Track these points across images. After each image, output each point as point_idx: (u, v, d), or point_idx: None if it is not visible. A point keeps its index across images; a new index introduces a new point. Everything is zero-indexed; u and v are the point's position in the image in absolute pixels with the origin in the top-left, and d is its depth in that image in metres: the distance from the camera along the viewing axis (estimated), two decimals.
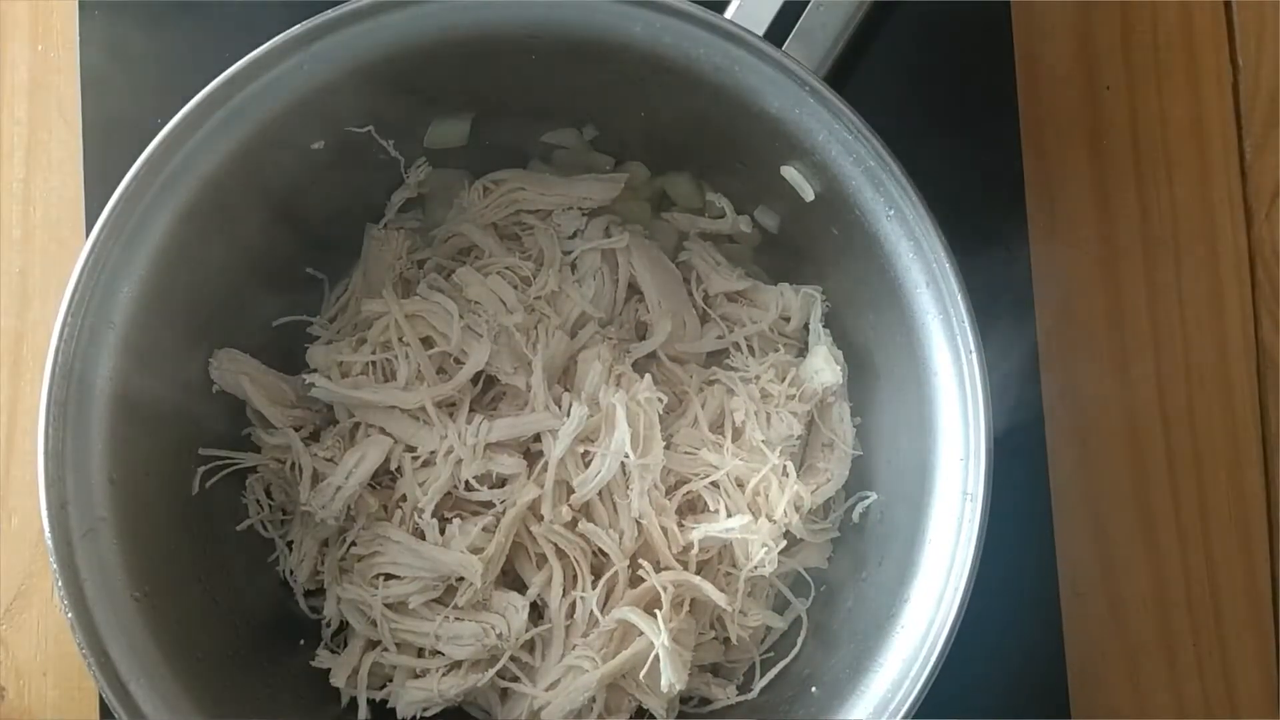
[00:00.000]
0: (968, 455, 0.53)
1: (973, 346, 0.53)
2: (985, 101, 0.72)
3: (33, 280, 0.70)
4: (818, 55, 0.59)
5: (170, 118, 0.52)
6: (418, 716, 0.61)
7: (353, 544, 0.62)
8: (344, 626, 0.63)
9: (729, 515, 0.61)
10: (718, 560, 0.63)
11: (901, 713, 0.52)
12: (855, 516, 0.64)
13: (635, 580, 0.61)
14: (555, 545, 0.60)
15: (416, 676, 0.62)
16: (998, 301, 0.69)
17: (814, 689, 0.59)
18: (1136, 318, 0.71)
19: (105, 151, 0.69)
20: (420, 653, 0.62)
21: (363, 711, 0.60)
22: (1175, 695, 0.69)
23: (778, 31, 0.58)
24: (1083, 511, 0.70)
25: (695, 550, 0.61)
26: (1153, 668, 0.69)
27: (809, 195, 0.58)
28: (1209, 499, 0.70)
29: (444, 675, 0.61)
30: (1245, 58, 0.73)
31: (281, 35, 0.53)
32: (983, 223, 0.70)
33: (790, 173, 0.58)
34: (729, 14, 0.60)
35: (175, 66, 0.70)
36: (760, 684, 0.63)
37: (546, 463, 0.60)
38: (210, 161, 0.54)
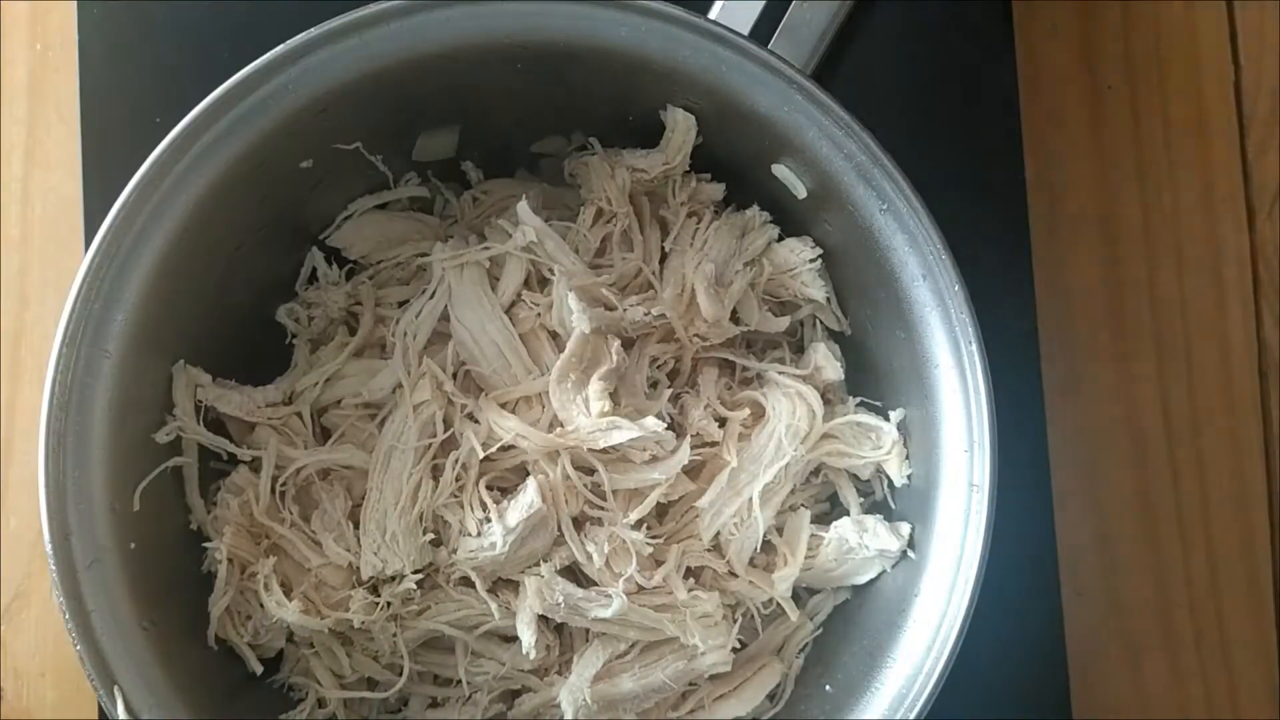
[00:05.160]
0: (972, 446, 0.53)
1: (972, 337, 0.52)
2: (987, 100, 0.72)
3: (31, 280, 0.70)
4: (804, 52, 0.59)
5: (169, 117, 0.52)
6: None
7: None
8: None
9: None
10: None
11: (917, 708, 0.52)
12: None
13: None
14: None
15: (435, 705, 0.62)
16: (998, 300, 0.69)
17: (827, 687, 0.59)
18: (1138, 316, 0.71)
19: (104, 151, 0.69)
20: (435, 679, 0.62)
21: None
22: (1177, 695, 0.69)
23: (763, 30, 0.58)
24: (1084, 511, 0.69)
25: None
26: (1154, 668, 0.69)
27: (801, 193, 0.58)
28: (1211, 499, 0.70)
29: (463, 705, 0.61)
30: (1247, 57, 0.73)
31: (265, 56, 0.52)
32: (983, 221, 0.70)
33: (781, 170, 0.58)
34: (713, 14, 0.60)
35: (174, 66, 0.70)
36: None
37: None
38: (199, 185, 0.53)
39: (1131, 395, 0.71)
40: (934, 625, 0.53)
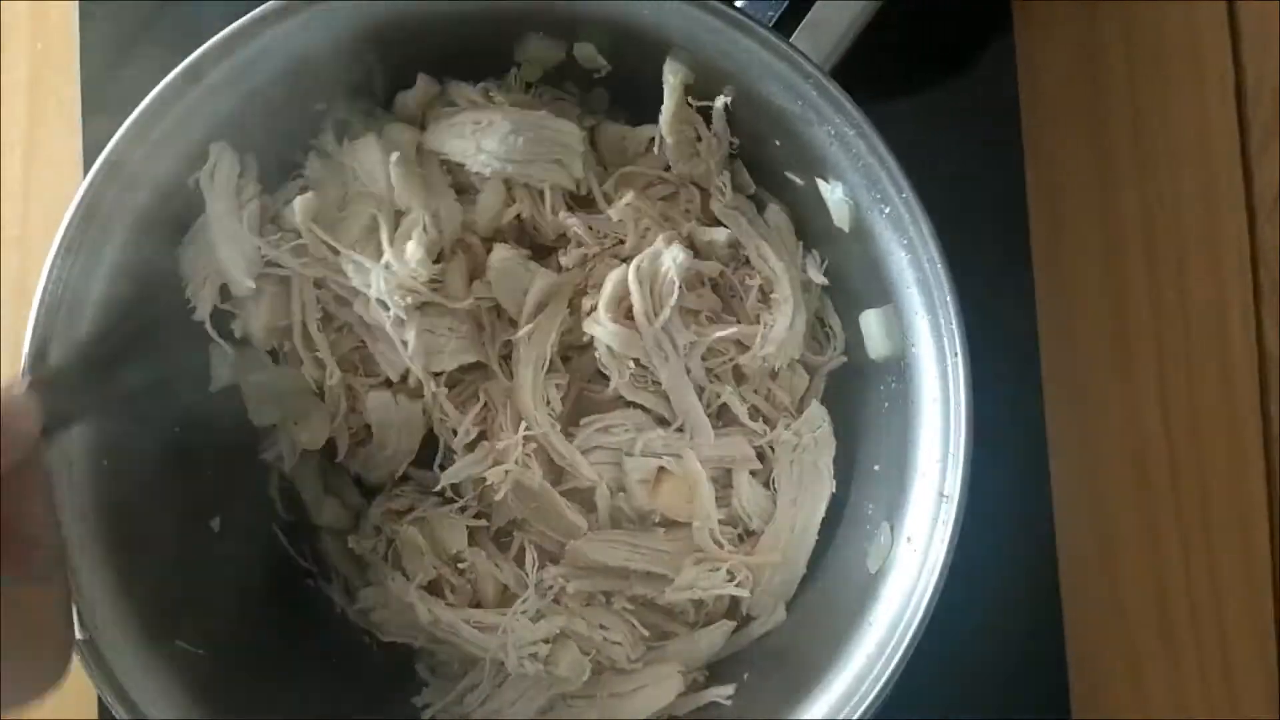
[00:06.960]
0: (945, 457, 0.53)
1: (959, 349, 0.52)
2: (987, 100, 0.71)
3: (31, 279, 0.70)
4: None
5: None
6: None
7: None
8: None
9: None
10: None
11: (872, 696, 0.52)
12: None
13: None
14: None
15: None
16: (998, 302, 0.69)
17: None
18: (1138, 319, 0.71)
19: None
20: None
21: None
22: (1178, 696, 0.69)
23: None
24: (1084, 513, 0.70)
25: None
26: (1155, 669, 0.70)
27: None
28: (1211, 501, 0.70)
29: None
30: (1248, 59, 0.72)
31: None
32: (983, 222, 0.70)
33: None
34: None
35: (174, 65, 0.69)
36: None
37: None
38: (199, 129, 0.55)
39: (1132, 396, 0.71)
40: (891, 622, 0.53)
